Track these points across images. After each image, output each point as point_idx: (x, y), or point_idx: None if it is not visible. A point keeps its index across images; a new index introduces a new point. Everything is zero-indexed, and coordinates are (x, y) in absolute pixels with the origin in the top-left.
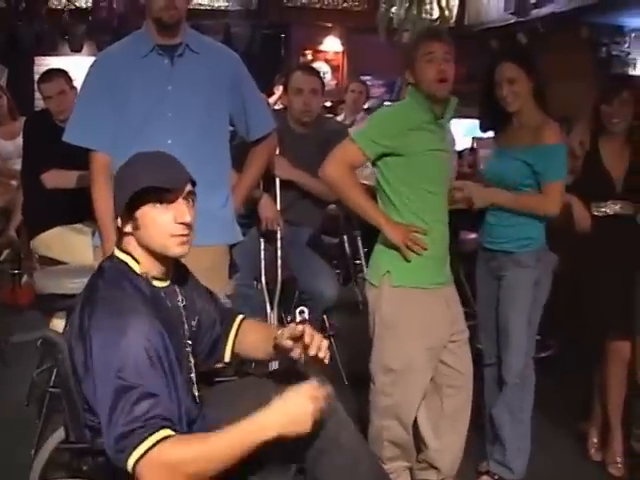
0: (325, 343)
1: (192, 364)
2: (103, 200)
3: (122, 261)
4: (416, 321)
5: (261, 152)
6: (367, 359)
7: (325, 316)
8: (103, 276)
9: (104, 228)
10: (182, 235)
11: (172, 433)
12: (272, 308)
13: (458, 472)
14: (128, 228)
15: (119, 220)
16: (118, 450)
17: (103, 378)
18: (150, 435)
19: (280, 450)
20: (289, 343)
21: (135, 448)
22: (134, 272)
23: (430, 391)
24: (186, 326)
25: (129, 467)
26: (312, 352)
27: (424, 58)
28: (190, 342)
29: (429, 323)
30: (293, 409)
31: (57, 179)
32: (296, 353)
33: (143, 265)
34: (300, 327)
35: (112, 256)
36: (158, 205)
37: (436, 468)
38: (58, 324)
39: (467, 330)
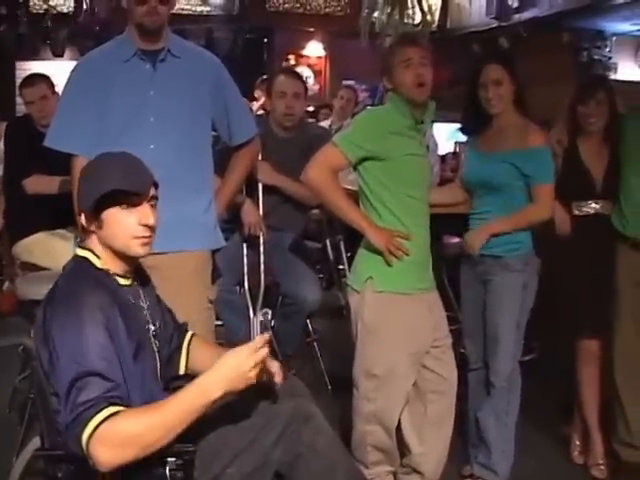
0: (276, 366)
1: (158, 363)
2: None
3: (83, 257)
4: (399, 327)
5: (243, 157)
6: (350, 364)
7: (308, 321)
8: (64, 274)
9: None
10: (145, 237)
11: (121, 408)
12: (254, 313)
13: (441, 476)
14: (92, 227)
15: (82, 217)
16: (72, 432)
17: (63, 369)
18: (98, 412)
19: (257, 454)
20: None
21: (86, 425)
22: (95, 267)
23: (413, 396)
24: (151, 325)
25: (84, 446)
26: (262, 379)
27: (401, 64)
28: (156, 342)
29: (412, 329)
30: (234, 363)
31: (39, 185)
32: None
33: (104, 262)
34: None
35: (74, 255)
36: (124, 207)
37: (420, 472)
38: None
39: (450, 335)
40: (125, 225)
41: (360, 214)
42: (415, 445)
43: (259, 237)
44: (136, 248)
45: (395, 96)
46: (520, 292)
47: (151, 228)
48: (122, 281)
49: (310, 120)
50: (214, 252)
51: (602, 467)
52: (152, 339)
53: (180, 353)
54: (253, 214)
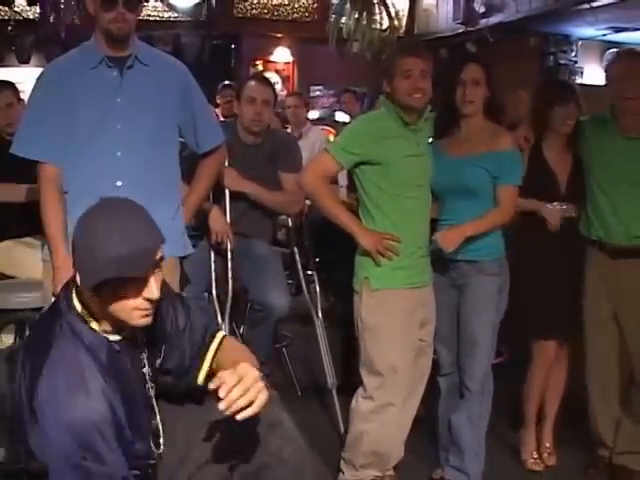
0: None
1: (158, 418)
2: (52, 213)
3: (79, 316)
4: (396, 322)
5: (210, 165)
6: (319, 370)
7: (277, 327)
8: (57, 335)
9: (53, 241)
10: (147, 309)
11: None
12: (223, 320)
13: None
14: (89, 292)
15: (79, 283)
16: None
17: (55, 455)
18: None
19: (220, 465)
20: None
21: None
22: (92, 329)
23: None
24: (149, 385)
25: None
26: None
27: (402, 74)
28: (153, 395)
29: (408, 324)
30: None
31: (5, 193)
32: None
33: (101, 322)
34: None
35: (70, 306)
36: (127, 284)
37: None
38: (6, 339)
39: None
40: (127, 301)
41: (350, 218)
42: None
43: (226, 244)
44: (136, 320)
45: (388, 101)
46: (496, 296)
47: (154, 301)
48: (113, 337)
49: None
50: (182, 259)
51: (537, 460)
52: (152, 399)
53: (203, 361)
54: (220, 222)
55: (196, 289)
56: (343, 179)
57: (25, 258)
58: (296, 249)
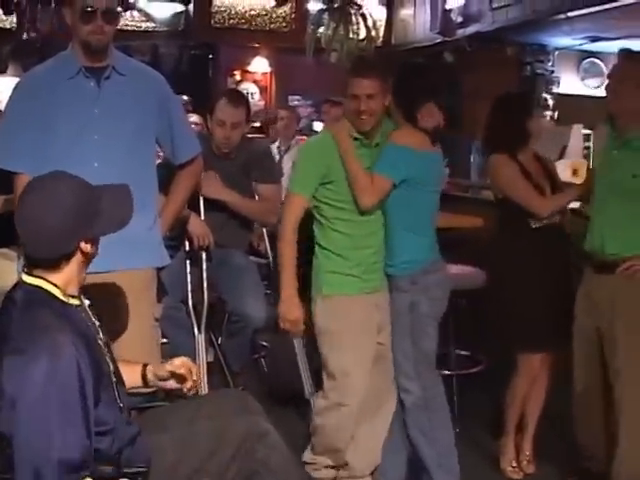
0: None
1: (115, 381)
2: None
3: (37, 287)
4: (346, 327)
5: (187, 175)
6: (298, 379)
7: (255, 337)
8: (18, 306)
9: None
10: None
11: None
12: (200, 331)
13: None
14: (89, 248)
15: (83, 244)
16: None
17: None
18: None
19: (211, 474)
20: (166, 374)
21: None
22: (56, 297)
23: None
24: (102, 343)
25: None
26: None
27: (349, 95)
28: (110, 361)
29: (359, 328)
30: None
31: None
32: (171, 385)
33: (63, 290)
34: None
35: (23, 283)
36: None
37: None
38: None
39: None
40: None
41: (291, 280)
42: None
43: (208, 248)
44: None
45: (343, 117)
46: (407, 313)
47: None
48: (73, 301)
49: (259, 136)
50: (159, 270)
51: (516, 468)
52: (109, 363)
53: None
54: (200, 225)
55: (172, 299)
56: None
57: (1, 269)
58: (271, 259)
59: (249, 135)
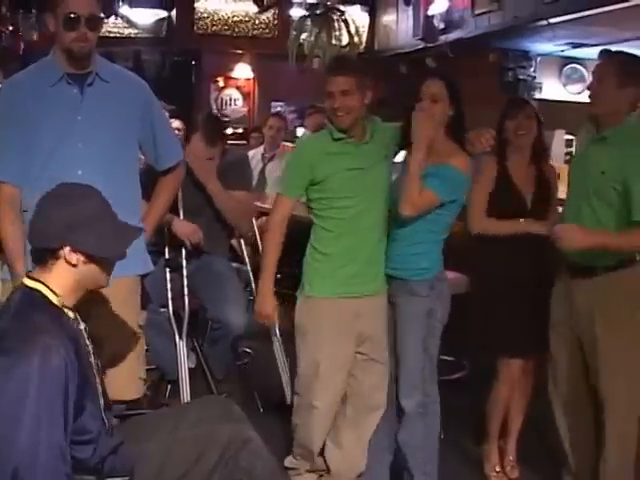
0: None
1: (100, 392)
2: (10, 229)
3: (34, 289)
4: (321, 329)
5: (170, 182)
6: (281, 386)
7: (239, 343)
8: (15, 306)
9: (12, 254)
10: None
11: None
12: (181, 337)
13: None
14: (74, 259)
15: (67, 249)
16: None
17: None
18: None
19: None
20: None
21: None
22: (50, 303)
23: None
24: (93, 359)
25: None
26: None
27: (326, 93)
28: (97, 374)
29: (338, 333)
30: None
31: None
32: None
33: (61, 297)
34: None
35: (22, 285)
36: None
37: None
38: None
39: (383, 350)
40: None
41: (269, 279)
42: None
43: (199, 245)
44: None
45: (327, 120)
46: (424, 319)
47: None
48: (68, 312)
49: (240, 142)
50: (143, 276)
51: (500, 474)
52: (96, 375)
53: None
54: (186, 225)
55: (154, 304)
56: None
57: None
58: (249, 267)
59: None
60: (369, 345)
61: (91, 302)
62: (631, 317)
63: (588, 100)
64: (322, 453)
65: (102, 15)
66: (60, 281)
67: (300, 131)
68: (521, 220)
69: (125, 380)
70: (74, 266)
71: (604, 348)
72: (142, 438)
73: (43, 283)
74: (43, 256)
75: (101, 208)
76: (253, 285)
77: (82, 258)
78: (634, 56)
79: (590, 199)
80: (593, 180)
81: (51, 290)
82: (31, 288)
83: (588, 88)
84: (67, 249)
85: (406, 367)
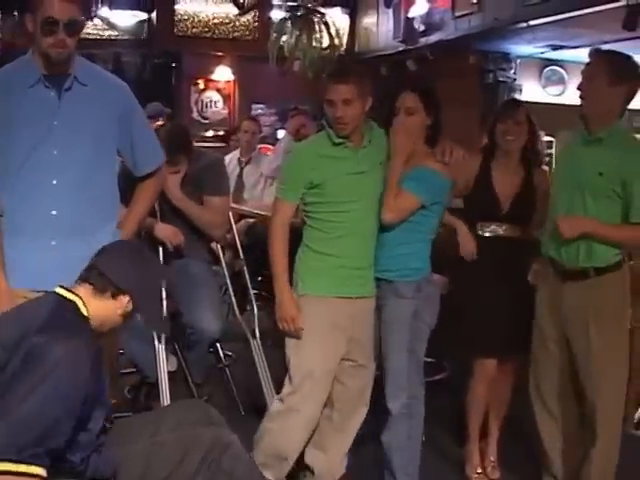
0: None
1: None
2: None
3: (68, 300)
4: (316, 330)
5: (149, 188)
6: (262, 388)
7: (219, 346)
8: (48, 309)
9: None
10: None
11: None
12: (160, 341)
13: None
14: (121, 309)
15: (127, 299)
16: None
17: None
18: (29, 463)
19: None
20: None
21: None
22: (81, 313)
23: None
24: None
25: None
26: None
27: (327, 101)
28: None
29: (330, 334)
30: None
31: None
32: None
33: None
34: None
35: (57, 293)
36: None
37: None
38: None
39: (370, 354)
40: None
41: (285, 282)
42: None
43: (180, 247)
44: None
45: (325, 124)
46: (409, 320)
47: None
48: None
49: (220, 145)
50: None
51: (481, 475)
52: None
53: None
54: (166, 228)
55: None
56: None
57: None
58: (227, 272)
59: (203, 145)
60: (358, 350)
61: None
62: (621, 315)
63: (579, 100)
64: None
65: (83, 18)
66: (98, 311)
67: (281, 133)
68: (493, 226)
69: None
70: (116, 311)
71: (597, 347)
72: (123, 441)
73: (81, 299)
74: (105, 286)
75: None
76: (230, 289)
77: (126, 311)
78: (624, 55)
79: (584, 199)
80: (589, 181)
81: (85, 307)
82: (65, 298)
83: (579, 88)
84: (127, 299)
85: (392, 369)
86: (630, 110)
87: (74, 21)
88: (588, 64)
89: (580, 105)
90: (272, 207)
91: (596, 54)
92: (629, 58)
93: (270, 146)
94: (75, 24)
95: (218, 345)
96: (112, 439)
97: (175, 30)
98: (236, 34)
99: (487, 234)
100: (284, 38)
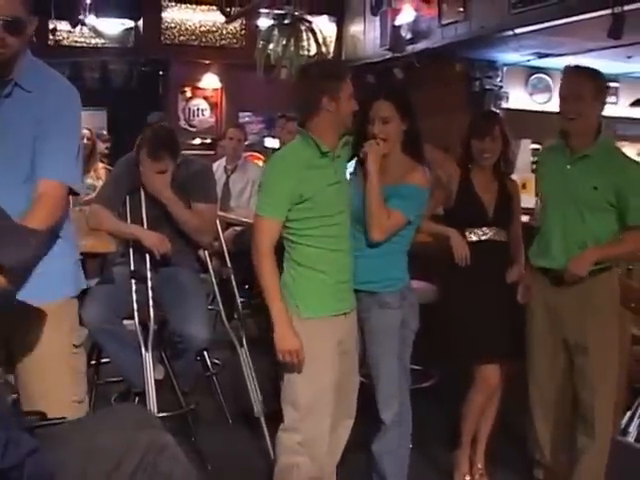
0: None
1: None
2: None
3: None
4: (325, 352)
5: (41, 204)
6: (250, 397)
7: (207, 354)
8: None
9: None
10: None
11: None
12: (147, 349)
13: None
14: None
15: None
16: None
17: None
18: None
19: None
20: None
21: None
22: None
23: None
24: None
25: None
26: None
27: (347, 97)
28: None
29: (334, 353)
30: None
31: None
32: None
33: None
34: None
35: None
36: None
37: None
38: None
39: (357, 364)
40: None
41: (278, 310)
42: None
43: (167, 255)
44: None
45: (304, 130)
46: (398, 330)
47: None
48: None
49: (207, 152)
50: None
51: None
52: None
53: None
54: (153, 235)
55: (110, 315)
56: None
57: None
58: (215, 279)
59: (191, 153)
60: (349, 361)
61: (18, 328)
62: (614, 312)
63: (565, 117)
64: None
65: (30, 18)
66: None
67: (268, 141)
68: (483, 229)
69: (57, 403)
70: None
71: (594, 345)
72: (60, 444)
73: None
74: None
75: None
76: (218, 297)
77: None
78: (598, 71)
79: (582, 213)
80: (584, 196)
81: None
82: None
83: (559, 107)
84: None
85: (383, 379)
86: (614, 118)
87: (17, 19)
88: (569, 83)
89: (562, 122)
90: (255, 226)
91: (576, 72)
92: (602, 74)
93: (259, 154)
94: (18, 23)
95: (205, 353)
96: (47, 442)
97: (162, 38)
98: (223, 42)
99: (477, 238)
100: (271, 46)
